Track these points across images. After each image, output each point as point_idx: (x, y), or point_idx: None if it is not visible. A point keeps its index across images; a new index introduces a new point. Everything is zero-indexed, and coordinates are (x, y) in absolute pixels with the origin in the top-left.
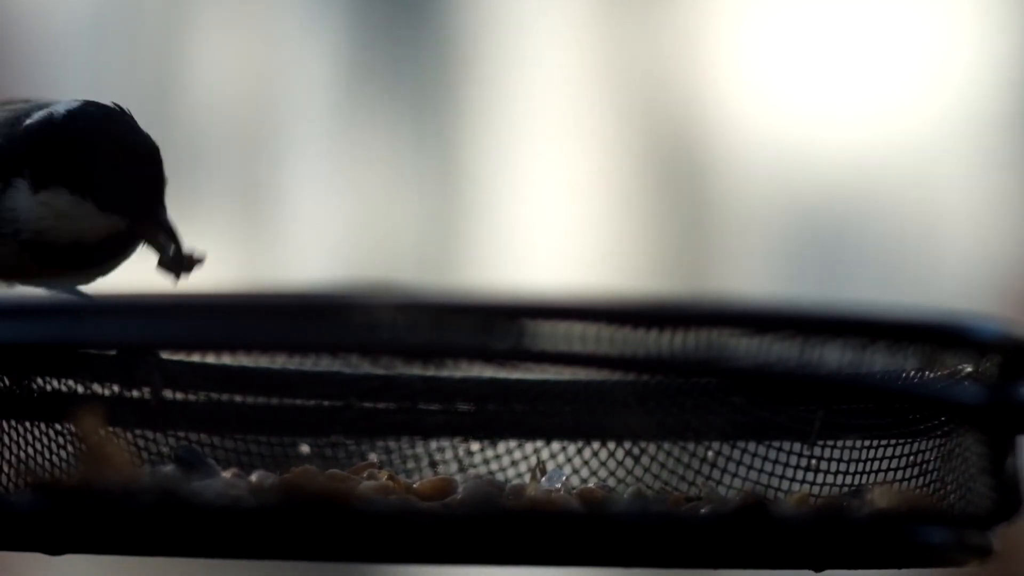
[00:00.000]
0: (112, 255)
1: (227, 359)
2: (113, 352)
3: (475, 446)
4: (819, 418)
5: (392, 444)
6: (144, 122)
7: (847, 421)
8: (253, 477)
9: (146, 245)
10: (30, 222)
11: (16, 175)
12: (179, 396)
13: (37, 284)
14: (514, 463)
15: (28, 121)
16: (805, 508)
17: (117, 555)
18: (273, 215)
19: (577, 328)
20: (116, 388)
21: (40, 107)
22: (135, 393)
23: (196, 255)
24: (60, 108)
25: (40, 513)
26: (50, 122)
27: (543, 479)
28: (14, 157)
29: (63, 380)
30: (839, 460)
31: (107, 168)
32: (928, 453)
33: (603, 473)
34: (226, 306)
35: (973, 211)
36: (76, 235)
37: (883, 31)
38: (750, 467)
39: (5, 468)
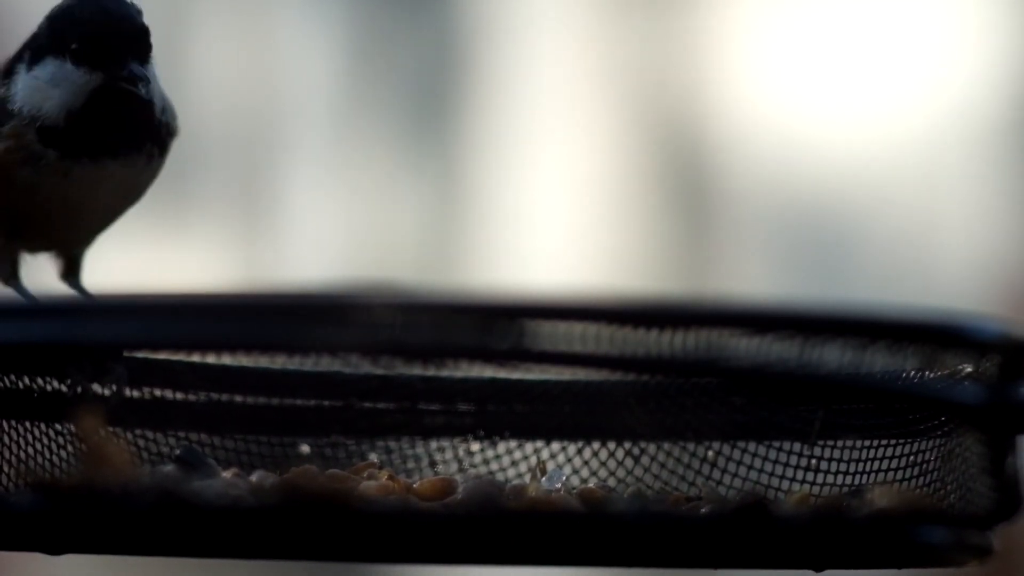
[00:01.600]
0: (129, 137)
1: (227, 359)
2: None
3: (475, 446)
4: (819, 418)
5: (392, 444)
6: None
7: (847, 421)
8: (253, 477)
9: (124, 95)
10: (32, 102)
11: (17, 62)
12: (179, 396)
13: (75, 202)
14: (514, 463)
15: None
16: (805, 508)
17: (117, 555)
18: (273, 215)
19: (577, 328)
20: (85, 385)
21: None
22: (135, 393)
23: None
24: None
25: (40, 513)
26: (46, 14)
27: (543, 479)
28: (19, 51)
29: (63, 380)
30: (839, 460)
31: (77, 29)
32: (928, 453)
33: (603, 473)
34: (226, 306)
35: (973, 211)
36: (66, 102)
37: (885, 33)
38: (750, 467)
39: (5, 468)
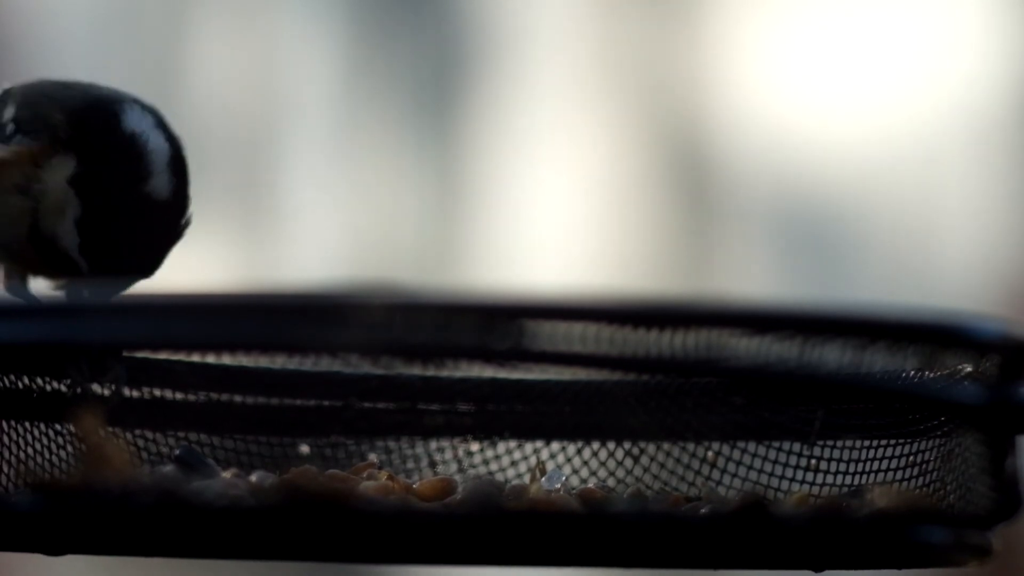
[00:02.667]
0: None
1: (227, 359)
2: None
3: (475, 446)
4: (819, 418)
5: (392, 444)
6: None
7: (847, 421)
8: (253, 477)
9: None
10: (49, 200)
11: (73, 154)
12: (179, 396)
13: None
14: (514, 463)
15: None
16: (805, 508)
17: (117, 555)
18: (273, 215)
19: (577, 328)
20: (85, 385)
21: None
22: (135, 393)
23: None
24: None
25: (40, 513)
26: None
27: (543, 479)
28: (77, 136)
29: (63, 380)
30: (839, 460)
31: (112, 227)
32: (928, 453)
33: (603, 473)
34: (226, 306)
35: (974, 211)
36: (54, 239)
37: (886, 31)
38: (750, 467)
39: (5, 468)
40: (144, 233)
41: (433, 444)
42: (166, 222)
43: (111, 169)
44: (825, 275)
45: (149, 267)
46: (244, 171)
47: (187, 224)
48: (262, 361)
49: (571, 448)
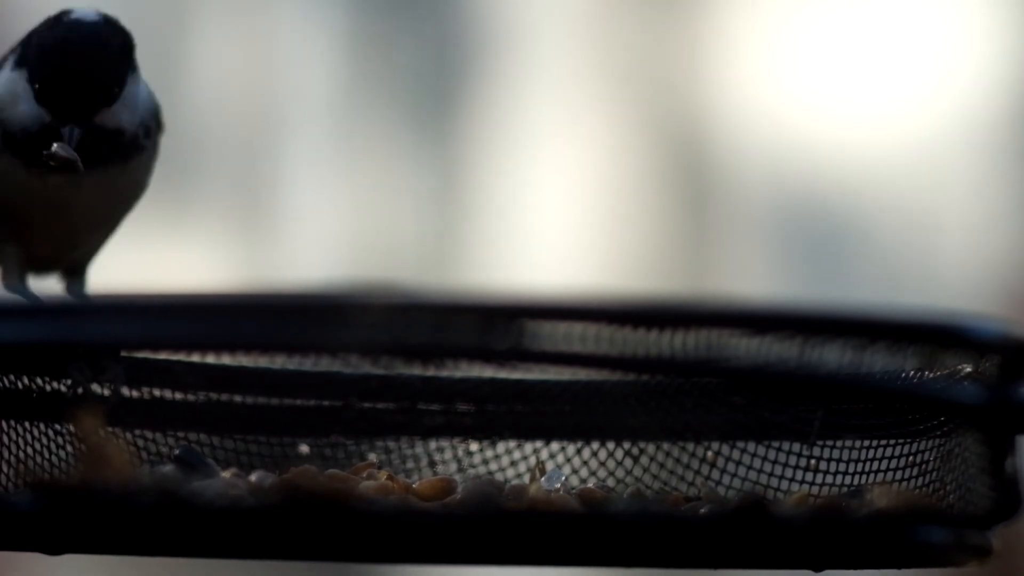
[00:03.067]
0: (92, 156)
1: (226, 359)
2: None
3: (474, 446)
4: (819, 418)
5: (392, 444)
6: None
7: (847, 421)
8: (253, 477)
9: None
10: (3, 99)
11: (9, 56)
12: (179, 396)
13: (38, 200)
14: (513, 463)
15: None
16: (804, 508)
17: (117, 555)
18: (274, 214)
19: (577, 328)
20: (82, 385)
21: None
22: (135, 393)
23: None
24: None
25: (40, 513)
26: (47, 20)
27: (542, 479)
28: (18, 44)
29: (63, 380)
30: (839, 460)
31: (41, 66)
32: (928, 453)
33: (602, 473)
34: (226, 306)
35: (974, 211)
36: (24, 122)
37: (888, 32)
38: (750, 467)
39: (5, 468)
40: (79, 61)
41: (433, 444)
42: (96, 50)
43: (44, 36)
44: (825, 275)
45: (103, 88)
46: (244, 171)
47: (128, 47)
48: (262, 361)
49: (571, 448)
